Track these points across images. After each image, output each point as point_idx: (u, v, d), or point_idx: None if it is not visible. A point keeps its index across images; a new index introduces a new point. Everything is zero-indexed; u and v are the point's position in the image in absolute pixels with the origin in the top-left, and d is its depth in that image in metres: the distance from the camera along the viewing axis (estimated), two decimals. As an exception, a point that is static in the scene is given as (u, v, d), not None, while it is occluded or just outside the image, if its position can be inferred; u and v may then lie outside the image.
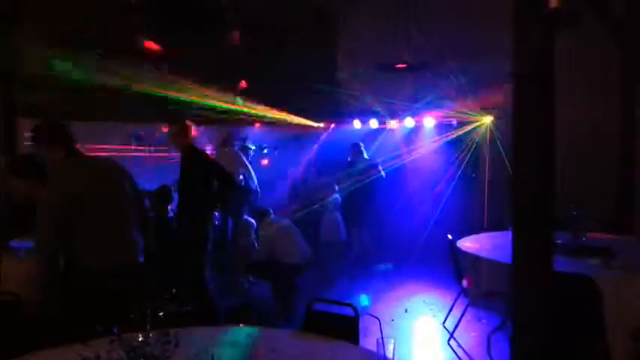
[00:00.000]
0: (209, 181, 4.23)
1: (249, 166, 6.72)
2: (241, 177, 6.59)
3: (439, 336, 4.47)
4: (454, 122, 7.71)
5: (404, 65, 7.13)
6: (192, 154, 4.25)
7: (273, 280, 5.31)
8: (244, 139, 8.11)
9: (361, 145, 7.11)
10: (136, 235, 2.85)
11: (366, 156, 7.08)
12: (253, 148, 8.08)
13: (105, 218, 2.70)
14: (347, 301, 2.51)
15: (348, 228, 6.91)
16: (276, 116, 7.87)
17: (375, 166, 6.93)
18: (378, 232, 7.11)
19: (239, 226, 6.54)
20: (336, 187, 7.22)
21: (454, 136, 7.78)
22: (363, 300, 5.47)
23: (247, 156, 7.31)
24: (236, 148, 6.94)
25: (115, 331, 1.55)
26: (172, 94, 6.48)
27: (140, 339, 1.56)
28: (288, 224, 5.56)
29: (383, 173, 6.88)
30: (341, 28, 8.41)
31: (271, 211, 5.74)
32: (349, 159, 7.13)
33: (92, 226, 2.64)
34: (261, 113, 7.59)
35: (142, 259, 2.84)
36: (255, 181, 6.76)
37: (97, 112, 5.88)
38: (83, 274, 2.63)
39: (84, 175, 2.70)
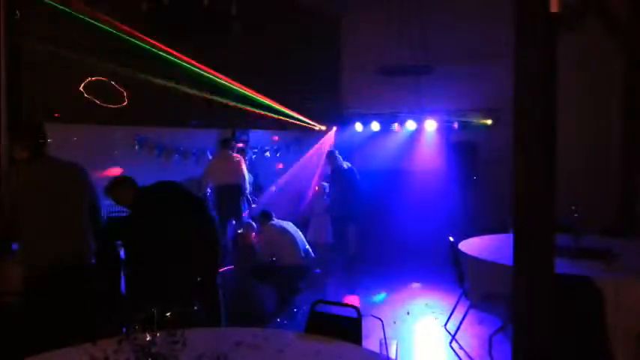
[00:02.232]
0: None
1: (245, 172, 6.79)
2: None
3: (441, 338, 4.49)
4: (455, 125, 7.75)
5: (407, 69, 7.20)
6: None
7: (275, 283, 5.33)
8: (245, 141, 8.15)
9: (336, 152, 7.24)
10: (86, 238, 2.96)
11: (342, 162, 7.20)
12: (255, 150, 8.13)
13: (52, 219, 2.82)
14: (345, 302, 2.54)
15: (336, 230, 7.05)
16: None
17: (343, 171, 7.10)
18: (368, 233, 7.22)
19: (241, 227, 6.59)
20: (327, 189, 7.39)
21: (455, 138, 7.81)
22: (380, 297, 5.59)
23: (248, 158, 7.38)
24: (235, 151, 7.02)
25: (124, 330, 1.58)
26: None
27: (148, 339, 1.59)
28: (289, 226, 5.59)
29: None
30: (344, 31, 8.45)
31: (273, 214, 5.77)
32: (329, 167, 7.26)
33: (37, 226, 2.77)
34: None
35: (92, 261, 2.96)
36: (248, 188, 6.84)
37: (101, 115, 5.90)
38: (27, 271, 2.76)
39: (34, 177, 2.83)
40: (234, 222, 6.66)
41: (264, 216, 5.72)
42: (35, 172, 2.84)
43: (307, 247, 5.61)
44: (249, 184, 6.93)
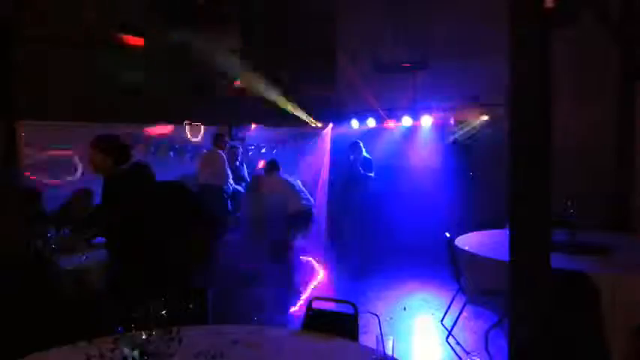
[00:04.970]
0: None
1: (227, 170, 6.71)
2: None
3: (437, 333, 4.51)
4: (452, 121, 7.75)
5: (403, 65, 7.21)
6: None
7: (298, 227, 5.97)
8: (242, 139, 8.14)
9: (360, 142, 7.25)
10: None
11: (365, 154, 7.20)
12: (252, 147, 8.10)
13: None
14: (345, 299, 2.54)
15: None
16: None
17: (369, 163, 7.12)
18: (364, 230, 7.27)
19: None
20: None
21: (452, 134, 7.81)
22: None
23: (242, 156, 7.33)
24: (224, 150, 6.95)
25: (120, 329, 1.58)
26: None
27: (144, 337, 1.58)
28: (289, 178, 6.20)
29: (372, 174, 7.11)
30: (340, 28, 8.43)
31: (280, 165, 6.20)
32: (351, 157, 7.25)
33: None
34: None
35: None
36: (231, 186, 6.77)
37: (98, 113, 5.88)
38: None
39: None
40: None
41: (273, 166, 6.20)
42: None
43: (307, 195, 6.16)
44: (231, 183, 6.78)
